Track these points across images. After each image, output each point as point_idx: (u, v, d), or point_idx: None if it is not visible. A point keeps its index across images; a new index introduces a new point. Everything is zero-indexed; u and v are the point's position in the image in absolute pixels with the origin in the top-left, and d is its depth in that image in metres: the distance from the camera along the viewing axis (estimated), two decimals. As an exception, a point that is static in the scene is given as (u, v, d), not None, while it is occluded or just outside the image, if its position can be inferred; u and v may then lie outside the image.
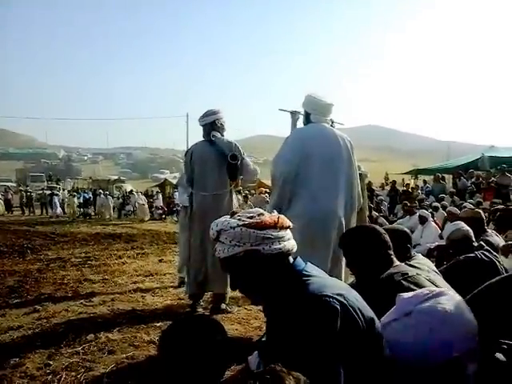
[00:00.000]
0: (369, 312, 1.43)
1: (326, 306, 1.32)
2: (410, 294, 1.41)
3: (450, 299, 1.35)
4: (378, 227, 2.08)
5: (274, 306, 1.50)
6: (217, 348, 1.32)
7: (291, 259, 1.51)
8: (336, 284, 1.46)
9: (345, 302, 1.35)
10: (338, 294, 1.35)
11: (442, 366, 1.22)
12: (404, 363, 1.31)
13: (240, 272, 1.47)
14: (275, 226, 1.44)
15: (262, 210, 1.50)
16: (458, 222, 3.56)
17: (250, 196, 16.60)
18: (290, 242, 1.48)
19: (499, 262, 3.08)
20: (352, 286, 2.08)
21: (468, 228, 3.41)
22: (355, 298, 1.42)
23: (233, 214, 1.49)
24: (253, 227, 1.41)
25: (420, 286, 1.83)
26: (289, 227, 1.50)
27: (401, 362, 1.32)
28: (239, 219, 1.43)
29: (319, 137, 3.39)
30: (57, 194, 23.45)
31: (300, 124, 3.75)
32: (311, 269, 1.50)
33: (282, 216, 1.50)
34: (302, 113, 3.77)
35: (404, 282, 1.83)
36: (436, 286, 1.91)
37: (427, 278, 1.93)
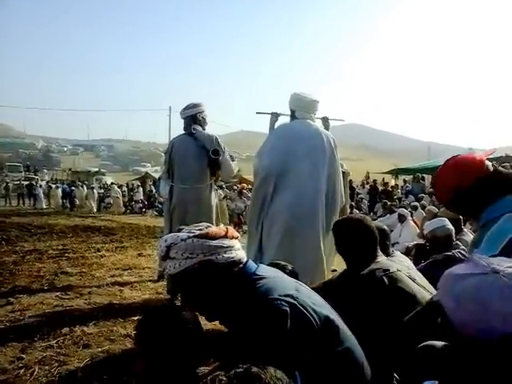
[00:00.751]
0: (324, 309, 1.43)
1: (275, 309, 1.31)
2: (486, 258, 1.27)
3: None
4: (369, 220, 2.10)
5: (228, 316, 1.49)
6: (189, 335, 1.31)
7: (241, 265, 1.49)
8: (286, 285, 1.45)
9: (294, 302, 1.34)
10: (286, 295, 1.35)
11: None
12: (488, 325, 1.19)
13: (193, 287, 1.43)
14: (226, 235, 1.44)
15: (208, 224, 1.49)
16: (444, 218, 3.57)
17: (230, 191, 16.56)
18: (240, 252, 1.48)
19: None
20: (332, 281, 2.08)
21: (452, 228, 3.46)
22: (307, 297, 1.41)
23: (179, 230, 1.48)
24: (204, 237, 1.40)
25: (401, 283, 1.85)
26: (237, 238, 1.50)
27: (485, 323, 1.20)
28: (189, 232, 1.42)
29: (302, 133, 3.41)
30: (40, 186, 22.93)
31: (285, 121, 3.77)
32: (263, 271, 1.49)
33: (230, 227, 1.51)
34: (282, 113, 3.82)
35: (385, 278, 1.84)
36: (415, 283, 1.93)
37: (407, 274, 1.96)
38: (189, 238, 1.39)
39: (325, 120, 3.87)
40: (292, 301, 1.34)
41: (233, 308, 1.44)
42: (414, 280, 1.94)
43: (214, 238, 1.41)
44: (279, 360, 1.26)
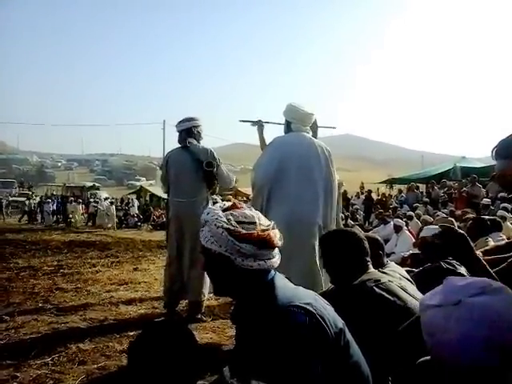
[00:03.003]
0: (338, 321, 1.42)
1: (294, 317, 1.30)
2: (463, 280, 1.24)
3: (507, 299, 1.22)
4: (359, 232, 2.10)
5: (242, 316, 1.48)
6: (185, 354, 1.30)
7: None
8: (304, 293, 1.43)
9: (313, 310, 1.33)
10: (306, 304, 1.33)
11: (480, 370, 1.13)
12: (438, 356, 1.20)
13: (212, 267, 1.45)
14: (257, 241, 1.37)
15: (258, 218, 1.42)
16: (437, 226, 3.52)
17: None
18: (269, 262, 1.41)
19: (461, 268, 3.10)
20: (326, 293, 2.08)
21: None
22: (323, 307, 1.40)
23: (231, 208, 1.43)
24: (233, 236, 1.35)
25: (392, 293, 1.84)
26: (274, 247, 1.42)
27: (436, 354, 1.21)
28: (228, 220, 1.37)
29: (298, 145, 3.43)
30: (47, 202, 21.96)
31: (278, 133, 3.77)
32: (279, 279, 1.47)
33: (272, 233, 1.41)
34: (266, 121, 3.83)
35: (376, 289, 1.84)
36: (407, 293, 1.93)
37: (399, 285, 1.96)
38: (221, 227, 1.36)
39: (313, 124, 3.77)
40: (311, 309, 1.32)
41: (248, 309, 1.43)
42: (405, 290, 1.94)
43: (243, 240, 1.35)
44: (290, 371, 1.26)
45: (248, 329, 1.44)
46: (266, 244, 1.39)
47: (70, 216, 20.19)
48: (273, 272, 1.47)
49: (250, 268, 1.38)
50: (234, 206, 1.44)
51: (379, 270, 2.07)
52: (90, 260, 8.43)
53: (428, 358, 1.31)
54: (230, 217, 1.38)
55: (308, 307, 1.32)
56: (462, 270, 3.06)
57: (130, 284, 6.05)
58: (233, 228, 1.36)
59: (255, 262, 1.38)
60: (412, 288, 2.08)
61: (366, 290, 1.84)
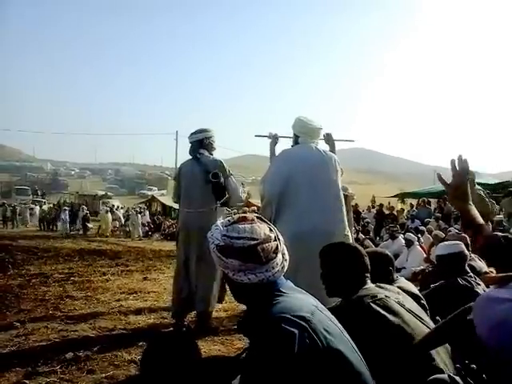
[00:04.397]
0: (337, 340, 1.36)
1: (283, 330, 1.27)
2: None
3: None
4: (360, 248, 2.09)
5: (245, 325, 1.50)
6: (188, 366, 1.31)
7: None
8: (303, 306, 1.38)
9: (305, 325, 1.29)
10: (299, 317, 1.30)
11: None
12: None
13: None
14: (242, 256, 1.37)
15: (253, 231, 1.41)
16: (459, 242, 3.35)
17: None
18: (261, 275, 1.40)
19: (479, 287, 3.04)
20: (332, 309, 2.07)
21: (467, 252, 3.26)
22: (320, 322, 1.35)
23: (238, 221, 1.45)
24: (221, 251, 1.40)
25: (389, 309, 1.83)
26: (262, 262, 1.40)
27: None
28: (222, 235, 1.41)
29: (305, 156, 3.45)
30: (64, 210, 21.60)
31: (285, 146, 3.80)
32: (287, 288, 1.46)
33: (264, 247, 1.40)
34: (281, 135, 3.85)
35: (373, 305, 1.83)
36: (404, 309, 1.91)
37: (396, 300, 1.94)
38: (212, 243, 1.42)
39: (328, 136, 3.80)
40: (303, 323, 1.29)
41: (251, 315, 1.45)
42: (403, 306, 1.92)
43: (230, 254, 1.37)
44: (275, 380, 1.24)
45: (248, 337, 1.47)
46: (252, 259, 1.38)
47: (88, 224, 20.32)
48: (280, 282, 1.46)
49: (244, 282, 1.40)
50: (241, 219, 1.45)
51: (377, 285, 2.05)
52: (100, 268, 8.49)
53: (440, 376, 1.29)
54: (225, 232, 1.41)
55: (299, 321, 1.29)
56: (480, 288, 3.01)
57: (139, 293, 6.07)
58: (222, 244, 1.39)
59: (245, 276, 1.40)
60: (411, 303, 2.06)
61: (363, 306, 1.83)
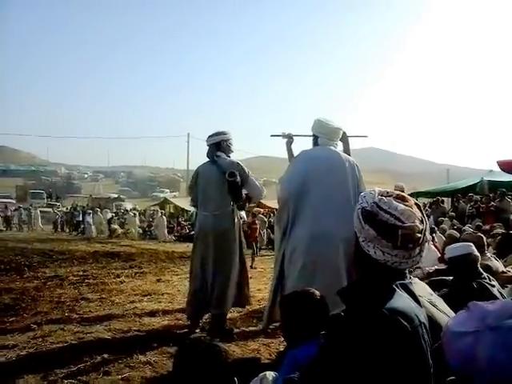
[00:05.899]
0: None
1: (397, 325, 1.21)
2: (490, 305, 1.19)
3: None
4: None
5: (350, 297, 1.41)
6: (223, 373, 1.32)
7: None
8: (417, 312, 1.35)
9: (407, 325, 1.23)
10: (403, 316, 1.24)
11: None
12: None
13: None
14: (379, 228, 1.33)
15: (408, 215, 1.34)
16: (470, 244, 3.36)
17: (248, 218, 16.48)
18: (388, 256, 1.34)
19: (493, 289, 3.00)
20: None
21: (478, 254, 3.24)
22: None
23: (397, 198, 1.39)
24: (363, 214, 1.37)
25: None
26: (396, 244, 1.32)
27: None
28: (374, 202, 1.36)
29: (324, 158, 3.43)
30: (89, 213, 21.64)
31: (304, 146, 3.78)
32: (402, 291, 1.39)
33: (406, 231, 1.32)
34: (296, 134, 3.84)
35: None
36: (437, 309, 1.89)
37: (429, 300, 1.92)
38: (359, 204, 1.40)
39: (343, 136, 3.74)
40: (405, 323, 1.24)
41: (357, 289, 1.42)
42: (435, 306, 1.90)
43: (369, 221, 1.35)
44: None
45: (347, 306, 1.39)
46: (388, 237, 1.32)
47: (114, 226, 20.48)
48: (404, 281, 1.41)
49: (368, 253, 1.36)
50: (400, 197, 1.40)
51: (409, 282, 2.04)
52: (114, 270, 8.55)
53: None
54: (377, 201, 1.36)
55: (402, 320, 1.23)
56: (495, 290, 2.97)
57: (153, 295, 6.11)
58: (369, 209, 1.36)
59: (373, 248, 1.35)
60: (441, 302, 2.04)
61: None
